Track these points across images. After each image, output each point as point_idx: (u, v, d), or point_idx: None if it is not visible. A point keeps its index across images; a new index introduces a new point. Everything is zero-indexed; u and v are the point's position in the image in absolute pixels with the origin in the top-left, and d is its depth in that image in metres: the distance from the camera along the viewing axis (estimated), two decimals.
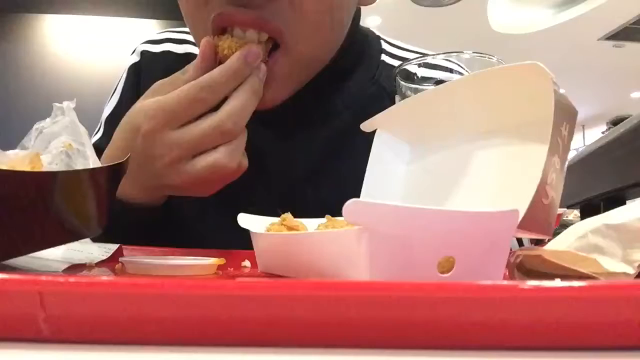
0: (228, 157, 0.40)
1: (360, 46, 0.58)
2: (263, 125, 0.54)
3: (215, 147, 0.40)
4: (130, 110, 0.43)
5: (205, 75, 0.40)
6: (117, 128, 0.45)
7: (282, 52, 0.45)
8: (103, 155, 0.45)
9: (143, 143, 0.40)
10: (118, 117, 0.46)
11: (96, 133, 0.60)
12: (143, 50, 0.62)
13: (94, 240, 0.43)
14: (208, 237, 0.53)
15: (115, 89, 0.62)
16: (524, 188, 0.26)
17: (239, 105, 0.40)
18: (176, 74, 0.43)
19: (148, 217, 0.48)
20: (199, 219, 0.55)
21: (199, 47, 0.43)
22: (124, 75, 0.62)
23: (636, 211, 0.27)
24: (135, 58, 0.62)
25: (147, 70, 0.60)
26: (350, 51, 0.55)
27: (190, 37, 0.61)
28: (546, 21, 3.03)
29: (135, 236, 0.47)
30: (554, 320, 0.16)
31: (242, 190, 0.54)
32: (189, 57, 0.59)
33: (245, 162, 0.43)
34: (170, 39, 0.62)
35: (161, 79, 0.47)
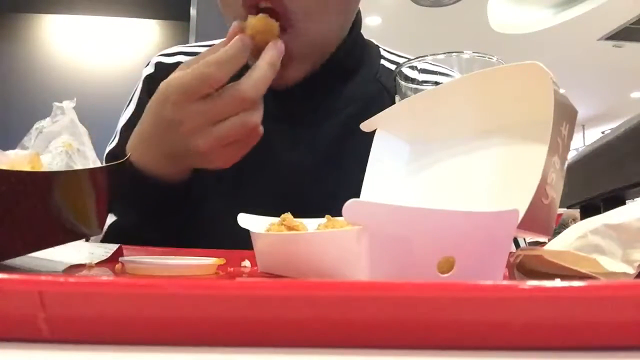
0: (249, 117, 0.43)
1: (362, 49, 0.63)
2: (270, 120, 0.56)
3: (237, 114, 0.43)
4: (162, 83, 0.46)
5: (217, 52, 0.43)
6: (150, 101, 0.47)
7: (293, 32, 0.49)
8: (134, 131, 0.49)
9: (172, 110, 0.43)
10: (134, 126, 0.49)
11: (112, 142, 0.62)
12: (157, 62, 0.65)
13: (94, 240, 0.43)
14: (215, 228, 0.54)
15: (131, 99, 0.65)
16: (524, 188, 0.26)
17: (259, 75, 0.43)
18: (204, 51, 0.46)
19: (168, 194, 0.49)
20: (207, 213, 0.56)
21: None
22: (139, 86, 0.65)
23: (636, 211, 0.27)
24: (150, 69, 0.65)
25: (161, 81, 0.62)
26: (353, 53, 0.60)
27: (201, 50, 0.65)
28: (546, 21, 3.02)
29: (148, 220, 0.49)
30: (554, 320, 0.16)
31: (250, 183, 0.56)
32: None
33: (262, 130, 0.46)
34: (183, 52, 0.66)
35: None
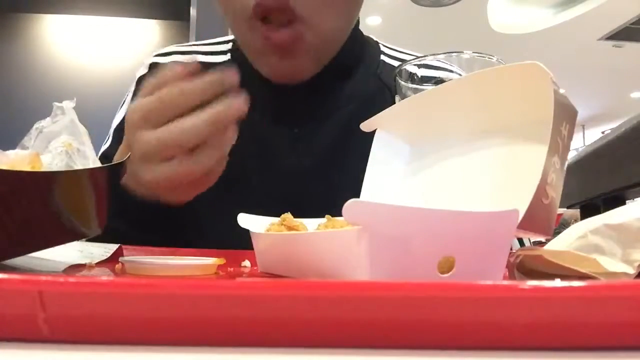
0: (192, 165, 0.39)
1: (361, 46, 0.63)
2: (271, 120, 0.57)
3: (173, 157, 0.39)
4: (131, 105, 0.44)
5: (178, 83, 0.39)
6: None
7: (301, 24, 0.49)
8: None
9: (128, 132, 0.41)
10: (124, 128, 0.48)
11: (105, 142, 0.62)
12: (151, 63, 0.64)
13: (94, 240, 0.43)
14: (215, 229, 0.54)
15: (124, 101, 0.64)
16: (524, 188, 0.26)
17: (190, 124, 0.38)
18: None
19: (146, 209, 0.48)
20: (208, 213, 0.56)
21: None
22: (132, 87, 0.64)
23: (636, 211, 0.27)
24: (143, 71, 0.64)
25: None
26: (353, 50, 0.60)
27: (197, 48, 0.65)
28: (546, 21, 3.02)
29: (139, 223, 0.48)
30: (554, 320, 0.16)
31: (250, 182, 0.56)
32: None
33: (217, 170, 0.42)
34: (177, 51, 0.65)
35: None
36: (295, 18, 0.48)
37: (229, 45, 0.64)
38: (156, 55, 0.66)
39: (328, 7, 0.50)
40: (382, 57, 0.64)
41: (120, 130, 0.59)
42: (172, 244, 0.48)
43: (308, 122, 0.57)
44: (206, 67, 0.62)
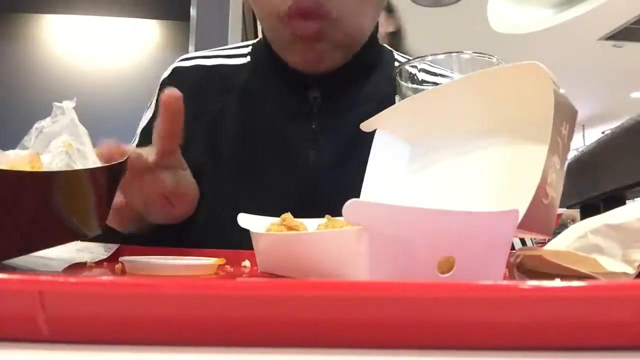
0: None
1: (378, 51, 0.67)
2: (290, 114, 0.58)
3: None
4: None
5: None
6: None
7: (331, 22, 0.52)
8: None
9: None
10: (151, 129, 0.50)
11: (132, 143, 0.63)
12: (175, 67, 0.67)
13: (94, 240, 0.43)
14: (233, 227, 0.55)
15: (150, 103, 0.67)
16: (524, 188, 0.26)
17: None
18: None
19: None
20: (223, 208, 0.56)
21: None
22: (157, 91, 0.66)
23: (636, 211, 0.27)
24: (166, 74, 0.67)
25: (178, 84, 0.64)
26: (371, 52, 0.63)
27: (219, 52, 0.68)
28: (546, 21, 3.02)
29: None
30: (554, 320, 0.16)
31: (266, 180, 0.57)
32: (219, 69, 0.65)
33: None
34: (200, 56, 0.68)
35: (191, 89, 0.58)
36: (326, 15, 0.52)
37: (249, 49, 0.67)
38: (180, 60, 0.68)
39: (357, 8, 0.54)
40: (396, 64, 0.67)
41: (147, 131, 0.61)
42: (183, 240, 0.49)
43: (326, 118, 0.59)
44: (228, 69, 0.64)
